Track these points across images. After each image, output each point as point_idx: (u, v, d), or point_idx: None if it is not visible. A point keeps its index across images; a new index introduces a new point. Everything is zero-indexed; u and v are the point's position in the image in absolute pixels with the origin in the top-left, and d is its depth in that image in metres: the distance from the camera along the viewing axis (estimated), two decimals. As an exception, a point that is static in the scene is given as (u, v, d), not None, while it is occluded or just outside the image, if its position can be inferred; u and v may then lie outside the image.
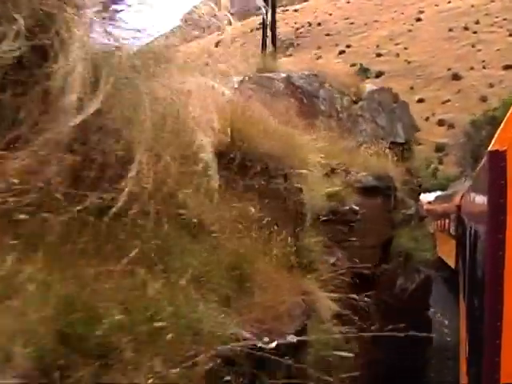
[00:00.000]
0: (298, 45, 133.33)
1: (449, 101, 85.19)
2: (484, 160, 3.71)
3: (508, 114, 3.12)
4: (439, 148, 74.07)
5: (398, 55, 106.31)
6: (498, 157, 2.92)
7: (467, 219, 6.46)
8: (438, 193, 26.75)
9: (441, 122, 78.74)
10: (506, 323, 2.78)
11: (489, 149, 3.21)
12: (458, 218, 12.70)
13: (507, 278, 2.79)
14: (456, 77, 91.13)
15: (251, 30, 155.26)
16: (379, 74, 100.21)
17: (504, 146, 2.94)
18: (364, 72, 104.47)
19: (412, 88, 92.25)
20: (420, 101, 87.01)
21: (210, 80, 4.07)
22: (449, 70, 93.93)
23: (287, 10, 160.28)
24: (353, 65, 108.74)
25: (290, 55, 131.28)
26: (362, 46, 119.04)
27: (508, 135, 3.01)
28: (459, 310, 8.20)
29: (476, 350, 3.67)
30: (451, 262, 14.28)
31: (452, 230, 15.16)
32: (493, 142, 3.23)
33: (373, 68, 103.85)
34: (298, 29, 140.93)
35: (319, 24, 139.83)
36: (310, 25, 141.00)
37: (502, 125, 3.16)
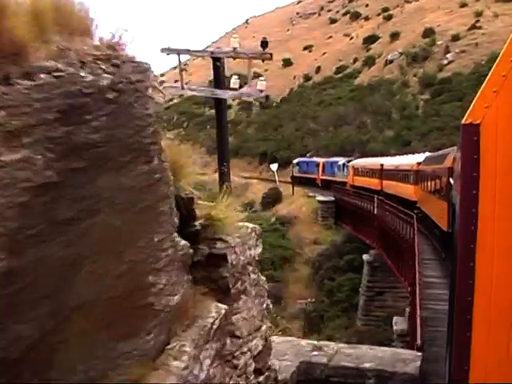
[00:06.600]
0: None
1: None
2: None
3: (483, 85, 3.05)
4: None
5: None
6: (471, 130, 2.96)
7: (455, 185, 5.89)
8: (427, 154, 27.73)
9: None
10: (476, 297, 2.92)
11: (462, 121, 3.16)
12: (449, 181, 13.22)
13: (479, 254, 2.91)
14: None
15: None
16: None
17: (478, 119, 2.97)
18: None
19: None
20: None
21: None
22: None
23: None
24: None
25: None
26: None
27: (482, 108, 2.99)
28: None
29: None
30: (442, 223, 16.52)
31: (443, 192, 16.24)
32: (467, 113, 3.14)
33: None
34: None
35: None
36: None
37: (477, 96, 3.10)
